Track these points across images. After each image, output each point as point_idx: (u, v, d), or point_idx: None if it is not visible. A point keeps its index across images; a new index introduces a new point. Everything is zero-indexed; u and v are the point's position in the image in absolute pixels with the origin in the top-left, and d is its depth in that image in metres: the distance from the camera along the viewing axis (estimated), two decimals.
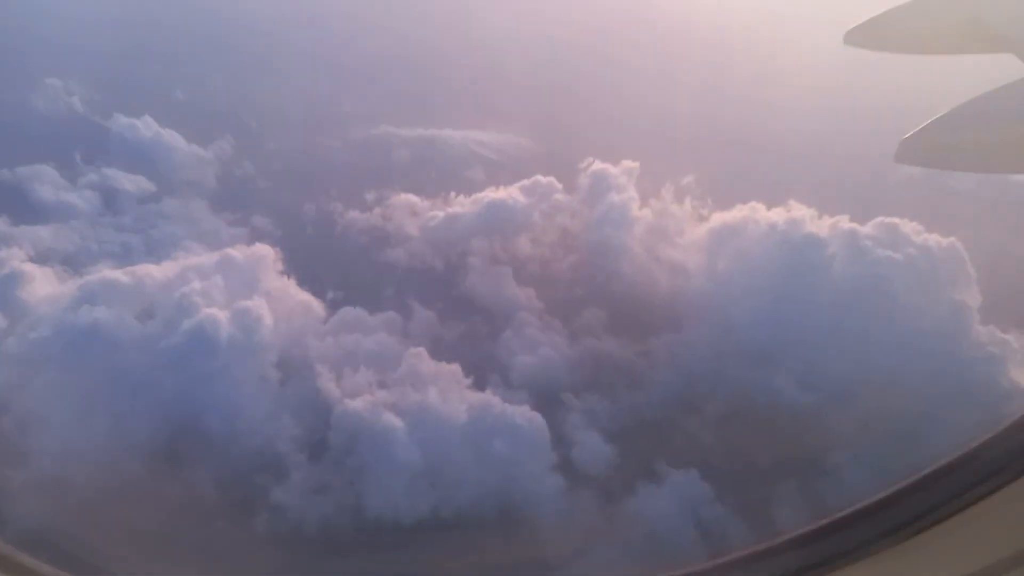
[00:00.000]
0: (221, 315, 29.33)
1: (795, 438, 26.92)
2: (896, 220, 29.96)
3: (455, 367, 28.38)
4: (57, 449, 24.73)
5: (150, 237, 41.73)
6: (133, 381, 27.65)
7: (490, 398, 27.59)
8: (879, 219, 30.16)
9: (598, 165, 38.10)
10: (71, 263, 36.72)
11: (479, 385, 28.94)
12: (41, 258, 36.38)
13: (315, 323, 32.72)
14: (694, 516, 24.64)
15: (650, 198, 37.14)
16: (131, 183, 46.37)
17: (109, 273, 32.14)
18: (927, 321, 27.30)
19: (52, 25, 63.08)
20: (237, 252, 33.66)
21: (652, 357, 31.49)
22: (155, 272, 32.48)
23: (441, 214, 38.47)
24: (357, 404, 26.93)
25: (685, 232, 35.06)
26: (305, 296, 32.88)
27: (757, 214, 32.38)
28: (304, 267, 35.85)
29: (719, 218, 33.69)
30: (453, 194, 40.12)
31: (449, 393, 27.43)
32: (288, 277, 34.22)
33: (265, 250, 34.31)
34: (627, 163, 38.24)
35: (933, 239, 29.28)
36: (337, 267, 38.13)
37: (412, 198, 40.79)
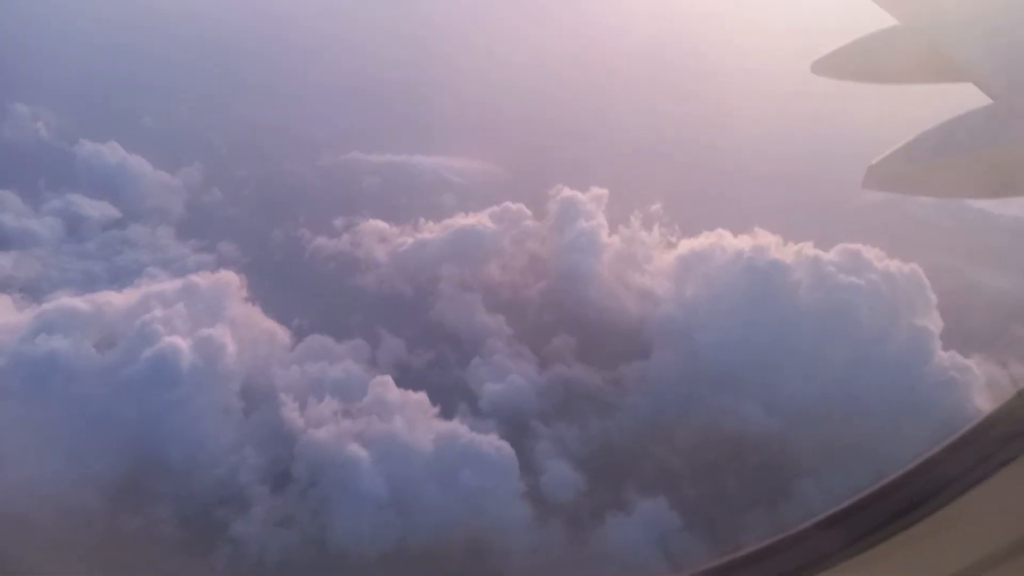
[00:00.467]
0: (183, 343, 28.77)
1: (762, 464, 26.95)
2: (859, 246, 30.38)
3: (421, 395, 28.07)
4: (11, 482, 23.96)
5: (113, 264, 41.09)
6: (91, 411, 26.91)
7: (457, 426, 27.29)
8: (842, 245, 30.58)
9: (567, 192, 38.26)
10: (31, 291, 35.99)
11: (447, 413, 28.63)
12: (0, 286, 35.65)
13: (281, 351, 32.27)
14: (662, 545, 24.47)
15: (619, 225, 37.34)
16: (95, 209, 45.74)
17: (68, 301, 31.46)
18: (890, 346, 27.61)
19: (20, 52, 62.49)
20: (201, 279, 33.19)
21: (621, 383, 31.45)
22: (116, 300, 31.89)
23: (410, 240, 38.33)
24: (321, 434, 26.49)
25: (653, 258, 35.28)
26: (270, 324, 32.45)
27: (724, 241, 32.68)
28: (271, 294, 35.41)
29: (687, 245, 33.97)
30: (423, 220, 40.02)
31: (415, 422, 27.09)
32: (253, 304, 33.78)
33: (230, 277, 33.86)
34: (596, 190, 38.46)
35: (895, 265, 29.71)
36: (305, 294, 37.72)
37: (381, 224, 40.65)
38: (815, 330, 28.42)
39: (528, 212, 38.64)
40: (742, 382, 28.83)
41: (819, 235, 32.73)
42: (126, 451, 25.90)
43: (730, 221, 34.23)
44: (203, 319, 30.87)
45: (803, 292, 29.46)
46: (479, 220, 38.22)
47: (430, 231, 38.87)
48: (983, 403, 25.79)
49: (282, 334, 33.00)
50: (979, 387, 26.22)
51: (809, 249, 30.70)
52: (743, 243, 31.96)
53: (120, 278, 38.43)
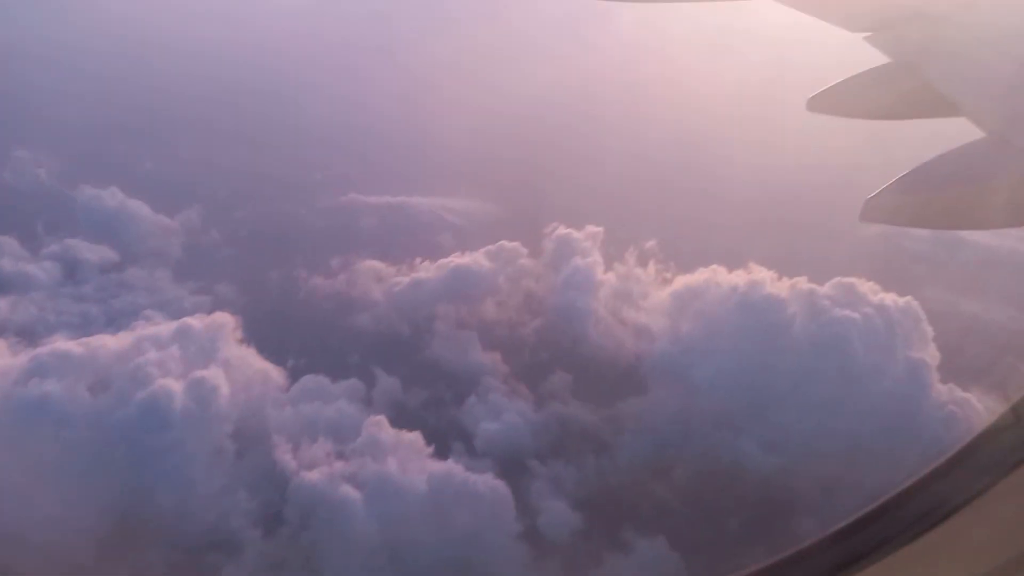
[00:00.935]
0: (176, 386, 28.68)
1: (760, 501, 26.58)
2: (853, 280, 30.38)
3: (416, 435, 27.84)
4: (1, 528, 23.67)
5: (110, 307, 41.13)
6: (83, 455, 26.74)
7: (452, 466, 27.05)
8: (837, 279, 30.58)
9: (562, 230, 38.43)
10: (27, 334, 35.96)
11: (441, 453, 28.38)
12: None
13: (275, 392, 32.11)
14: None
15: (614, 262, 37.41)
16: (93, 253, 45.97)
17: (62, 344, 31.44)
18: (887, 380, 27.45)
19: (22, 97, 63.36)
20: (195, 321, 33.18)
21: (618, 421, 31.19)
22: (110, 343, 31.82)
23: (406, 280, 38.38)
24: (314, 476, 26.22)
25: (649, 295, 35.25)
26: (264, 364, 32.31)
27: (719, 276, 32.69)
28: (267, 335, 35.35)
29: (682, 281, 33.98)
30: (419, 260, 40.13)
31: (409, 463, 26.85)
32: (248, 345, 33.68)
33: (224, 318, 33.84)
34: (591, 228, 38.63)
35: (890, 298, 29.67)
36: (300, 334, 37.65)
37: (377, 264, 40.75)
38: (811, 365, 28.30)
39: (523, 250, 38.78)
40: (739, 418, 28.64)
41: (814, 270, 32.75)
42: (117, 495, 25.64)
43: (725, 257, 34.29)
44: (197, 361, 30.77)
45: (798, 327, 29.38)
46: (474, 259, 38.33)
47: (426, 270, 38.95)
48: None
49: (277, 375, 32.87)
50: (978, 420, 25.97)
51: (804, 284, 30.70)
52: (738, 279, 31.97)
53: (116, 321, 38.43)
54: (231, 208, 53.29)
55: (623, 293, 35.47)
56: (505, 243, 38.90)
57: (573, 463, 29.39)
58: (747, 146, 47.96)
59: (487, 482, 26.43)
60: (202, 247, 48.88)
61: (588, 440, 30.52)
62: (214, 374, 29.89)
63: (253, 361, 32.83)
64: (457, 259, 38.92)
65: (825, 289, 30.38)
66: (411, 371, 34.33)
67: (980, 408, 26.25)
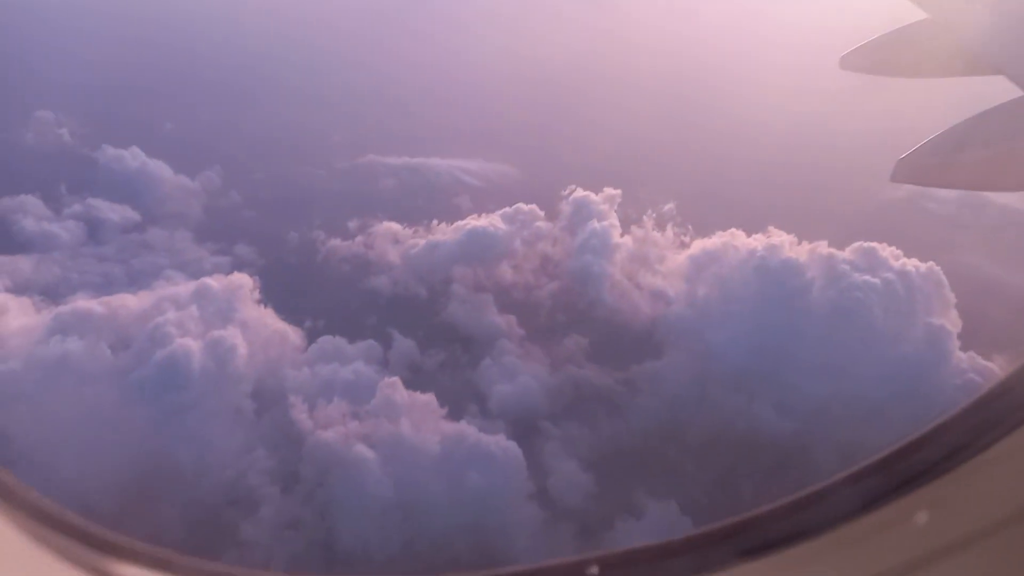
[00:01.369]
0: (194, 345, 29.01)
1: (775, 466, 26.47)
2: (875, 245, 29.77)
3: (430, 397, 28.00)
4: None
5: (131, 267, 41.56)
6: (103, 413, 27.25)
7: (465, 427, 27.20)
8: (857, 244, 29.99)
9: (580, 192, 38.02)
10: (50, 293, 36.46)
11: (455, 414, 28.54)
12: (19, 289, 36.16)
13: (293, 352, 32.39)
14: None
15: (632, 225, 37.03)
16: (115, 213, 46.33)
17: (83, 303, 31.89)
18: (907, 346, 27.01)
19: (44, 59, 63.59)
20: (214, 281, 33.44)
21: (632, 384, 31.13)
22: (130, 302, 32.22)
23: (422, 242, 38.30)
24: (329, 435, 26.51)
25: (666, 259, 34.90)
26: (282, 325, 32.57)
27: (737, 240, 32.22)
28: (285, 296, 35.63)
29: (699, 245, 33.55)
30: (435, 222, 39.99)
31: (423, 423, 27.03)
32: (266, 306, 33.97)
33: (243, 279, 34.09)
34: (609, 190, 38.17)
35: (912, 263, 29.06)
36: (319, 295, 37.89)
37: (395, 226, 40.68)
38: (829, 330, 27.92)
39: (540, 213, 38.47)
40: (755, 383, 28.43)
41: (836, 234, 32.17)
42: (136, 452, 26.15)
43: (744, 220, 33.78)
44: (215, 321, 31.11)
45: (817, 291, 28.94)
46: (491, 221, 38.11)
47: (442, 232, 38.82)
48: None
49: (295, 336, 33.14)
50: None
51: (823, 248, 30.15)
52: (756, 242, 31.49)
53: (138, 281, 38.83)
54: (251, 169, 53.37)
55: (640, 256, 35.20)
56: (522, 205, 38.64)
57: (586, 426, 29.44)
58: (769, 107, 46.91)
59: (499, 443, 26.58)
60: (222, 208, 49.11)
61: (602, 403, 30.53)
62: (232, 334, 30.21)
63: (271, 322, 33.13)
64: (474, 221, 38.73)
65: (845, 253, 29.84)
66: (427, 333, 34.46)
67: (988, 384, 25.76)
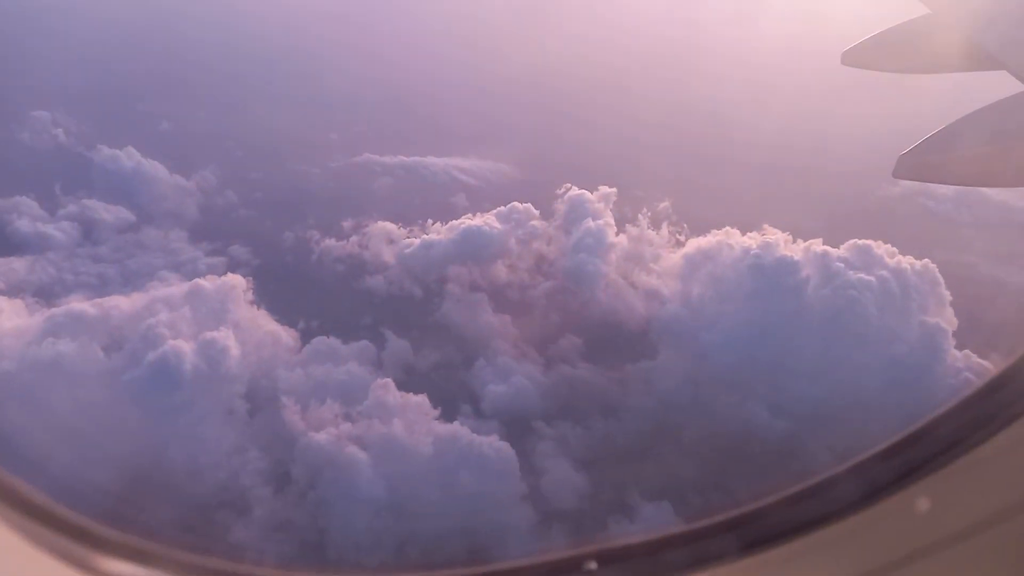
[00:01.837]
0: (186, 347, 28.91)
1: (769, 467, 26.33)
2: (870, 242, 29.62)
3: (422, 398, 27.89)
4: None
5: (126, 268, 41.45)
6: (95, 414, 27.18)
7: (457, 428, 27.08)
8: (852, 242, 29.84)
9: (575, 191, 37.88)
10: (44, 295, 36.39)
11: (448, 415, 28.43)
12: (13, 290, 36.08)
13: (287, 353, 32.29)
14: None
15: (627, 223, 36.88)
16: (110, 214, 46.18)
17: (76, 305, 31.83)
18: (901, 345, 26.86)
19: (41, 59, 63.49)
20: (207, 282, 33.35)
21: (627, 384, 31.02)
22: (123, 304, 32.13)
23: (417, 241, 38.18)
24: (321, 437, 26.41)
25: (661, 257, 34.78)
26: (275, 326, 32.47)
27: (732, 238, 32.07)
28: (280, 296, 35.54)
29: (694, 243, 33.42)
30: (430, 221, 39.88)
31: (415, 425, 26.92)
32: (260, 307, 33.90)
33: (236, 280, 34.02)
34: (605, 188, 38.03)
35: (907, 261, 28.90)
36: (313, 296, 37.78)
37: (389, 225, 40.56)
38: (824, 329, 27.78)
39: (535, 212, 38.34)
40: (749, 383, 28.32)
41: (831, 231, 32.02)
42: (127, 454, 26.06)
43: (740, 218, 33.63)
44: (208, 323, 31.01)
45: (811, 290, 28.79)
46: (486, 220, 37.97)
47: (437, 232, 38.70)
48: None
49: (289, 336, 33.04)
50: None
51: (818, 246, 30.00)
52: (751, 240, 31.34)
53: (132, 282, 38.74)
54: (247, 169, 53.21)
55: (635, 255, 35.07)
56: (517, 204, 38.49)
57: (580, 426, 29.32)
58: (766, 104, 46.73)
59: (492, 444, 26.47)
60: (218, 208, 48.95)
61: (596, 403, 30.40)
62: (224, 335, 30.11)
63: (264, 323, 33.05)
64: (468, 220, 38.59)
65: (840, 251, 29.68)
66: (421, 333, 34.33)
67: (984, 377, 25.61)
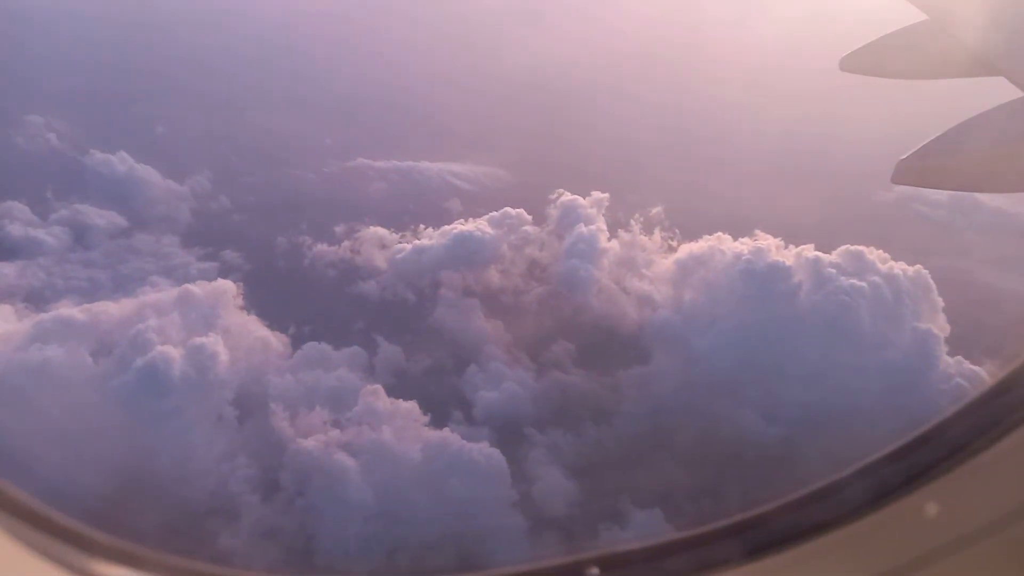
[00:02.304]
0: (175, 352, 28.70)
1: (762, 474, 26.17)
2: (862, 248, 29.52)
3: (412, 404, 27.71)
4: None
5: (117, 273, 41.22)
6: (83, 419, 26.97)
7: (447, 435, 26.91)
8: (844, 247, 29.74)
9: (567, 196, 37.78)
10: (34, 300, 36.17)
11: (439, 422, 28.27)
12: (2, 296, 35.87)
13: (277, 359, 32.10)
14: None
15: (619, 229, 36.79)
16: (102, 218, 45.97)
17: (65, 311, 31.59)
18: (894, 351, 26.74)
19: (35, 64, 63.37)
20: (197, 288, 33.17)
21: (619, 390, 30.89)
22: (112, 309, 31.92)
23: (408, 247, 38.03)
24: (310, 444, 26.21)
25: (653, 263, 34.66)
26: (264, 332, 32.28)
27: (724, 244, 31.97)
28: (271, 302, 35.39)
29: (687, 248, 33.30)
30: (422, 226, 39.73)
31: (405, 431, 26.74)
32: (251, 312, 33.71)
33: (226, 285, 33.86)
34: (597, 194, 37.94)
35: (899, 267, 28.80)
36: (305, 301, 37.62)
37: (381, 231, 40.42)
38: (815, 335, 27.66)
39: (528, 217, 38.25)
40: (742, 389, 28.20)
41: (824, 237, 31.93)
42: (115, 460, 25.84)
43: (732, 223, 33.54)
44: (197, 328, 30.81)
45: (803, 295, 28.68)
46: (478, 226, 37.85)
47: (429, 237, 38.56)
48: None
49: (280, 342, 32.84)
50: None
51: (810, 251, 29.89)
52: (744, 246, 31.25)
53: (123, 287, 38.52)
54: (241, 173, 53.10)
55: (627, 261, 34.98)
56: (509, 210, 38.40)
57: (572, 432, 29.16)
58: (759, 111, 46.71)
59: (482, 451, 26.28)
60: (211, 212, 48.77)
61: (588, 409, 30.26)
62: (213, 341, 29.90)
63: (254, 328, 32.85)
64: (460, 226, 38.48)
65: (832, 257, 29.58)
66: (413, 339, 34.18)
67: (989, 381, 25.51)
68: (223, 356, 29.40)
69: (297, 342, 33.00)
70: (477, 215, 40.21)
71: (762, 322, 28.67)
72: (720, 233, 32.54)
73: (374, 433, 26.54)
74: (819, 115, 42.18)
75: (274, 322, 33.69)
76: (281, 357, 32.25)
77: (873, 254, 29.41)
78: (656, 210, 37.28)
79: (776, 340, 28.04)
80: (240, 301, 33.45)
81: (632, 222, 36.80)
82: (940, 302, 28.11)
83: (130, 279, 40.01)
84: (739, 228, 32.83)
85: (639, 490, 26.46)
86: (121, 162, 50.91)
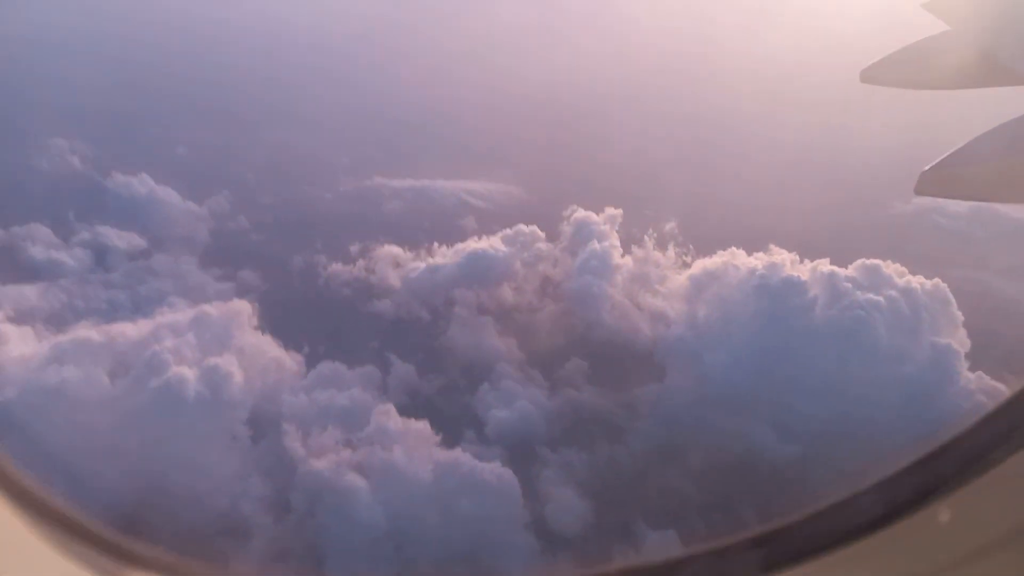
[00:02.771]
0: (189, 373, 28.89)
1: (777, 493, 25.70)
2: (878, 262, 29.00)
3: (423, 424, 27.60)
4: None
5: (136, 293, 41.63)
6: (99, 440, 27.15)
7: (459, 455, 26.75)
8: (860, 261, 29.25)
9: (580, 213, 37.66)
10: (53, 322, 36.60)
11: (451, 441, 28.12)
12: (23, 317, 36.31)
13: (291, 378, 32.20)
14: None
15: (633, 245, 36.59)
16: (122, 240, 46.59)
17: (83, 332, 31.95)
18: (912, 367, 26.17)
19: (60, 88, 64.67)
20: (213, 308, 33.44)
21: (633, 408, 30.57)
22: (129, 330, 32.23)
23: (422, 265, 38.08)
24: (321, 464, 26.18)
25: (667, 279, 34.36)
26: (279, 352, 32.41)
27: (737, 259, 31.61)
28: (287, 321, 35.53)
29: (700, 264, 32.99)
30: (436, 244, 39.80)
31: (416, 451, 26.62)
32: (266, 332, 33.87)
33: (242, 306, 34.10)
34: (611, 210, 37.79)
35: (917, 280, 28.24)
36: (319, 320, 37.73)
37: (395, 249, 40.52)
38: (832, 350, 27.16)
39: (541, 234, 38.16)
40: (757, 406, 27.77)
41: (840, 251, 31.45)
42: (129, 481, 25.96)
43: (746, 238, 33.18)
44: (212, 348, 31.00)
45: (819, 311, 28.21)
46: (491, 243, 37.82)
47: (443, 255, 38.59)
48: None
49: (294, 361, 32.96)
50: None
51: (825, 265, 29.44)
52: (758, 261, 30.86)
53: (142, 308, 38.89)
54: (259, 193, 53.63)
55: (640, 277, 34.73)
56: (523, 227, 38.34)
57: (585, 451, 28.86)
58: (774, 124, 46.34)
59: (494, 470, 26.09)
60: (229, 233, 49.25)
61: (601, 427, 29.96)
62: (228, 361, 30.08)
63: (268, 348, 32.99)
64: (474, 244, 38.49)
65: (848, 271, 29.10)
66: (426, 357, 34.14)
67: (1007, 392, 24.86)
68: (237, 376, 29.54)
69: (312, 361, 33.09)
70: (491, 232, 40.24)
71: (777, 338, 28.25)
72: (734, 248, 32.22)
73: (385, 453, 26.45)
74: (836, 127, 41.77)
75: (289, 341, 33.81)
76: (295, 376, 32.35)
77: (890, 267, 28.88)
78: (670, 225, 37.06)
79: (791, 356, 27.58)
80: (255, 321, 33.59)
81: (646, 238, 36.60)
82: (960, 316, 27.52)
83: (148, 300, 40.38)
84: (754, 243, 32.47)
85: (653, 510, 26.09)
86: (142, 184, 51.68)
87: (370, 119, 62.11)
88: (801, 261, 30.36)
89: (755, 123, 47.09)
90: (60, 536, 2.82)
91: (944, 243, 35.09)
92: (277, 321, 35.09)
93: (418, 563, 24.16)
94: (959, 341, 26.94)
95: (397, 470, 25.73)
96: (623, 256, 35.64)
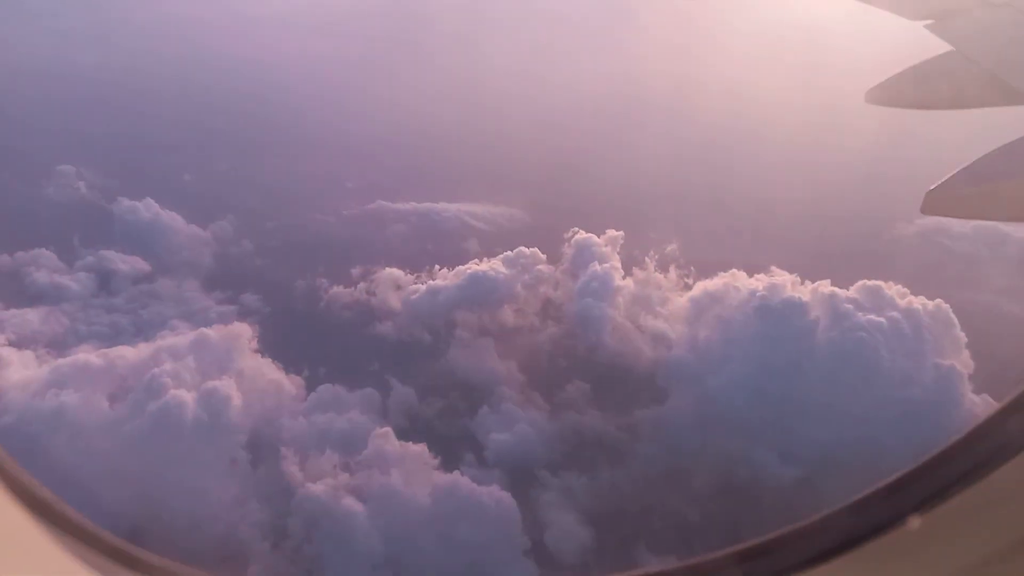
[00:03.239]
0: (188, 397, 28.81)
1: (780, 517, 25.29)
2: (880, 283, 28.79)
3: (421, 447, 27.38)
4: None
5: (139, 317, 41.78)
6: (97, 464, 27.03)
7: (457, 479, 26.50)
8: (861, 282, 29.05)
9: (582, 235, 37.62)
10: (55, 345, 36.72)
11: (450, 464, 27.89)
12: (25, 341, 36.45)
13: (291, 402, 32.09)
14: None
15: (634, 266, 36.48)
16: (127, 264, 46.85)
17: (82, 356, 31.97)
18: (914, 389, 25.86)
19: (67, 114, 65.43)
20: (213, 332, 33.39)
21: (634, 430, 30.30)
22: (129, 354, 32.23)
23: (423, 287, 38.05)
24: (318, 488, 25.96)
25: (669, 301, 34.20)
26: (279, 375, 32.33)
27: (738, 280, 31.45)
28: (288, 344, 35.53)
29: (702, 286, 32.83)
30: (437, 267, 39.79)
31: (415, 475, 26.39)
32: (266, 355, 33.83)
33: (242, 328, 34.08)
34: (612, 232, 37.74)
35: (919, 301, 28.00)
36: (320, 343, 37.70)
37: (396, 272, 40.53)
38: (833, 372, 26.89)
39: (542, 256, 38.10)
40: (759, 429, 27.48)
41: (842, 272, 31.28)
42: (125, 505, 25.79)
43: (747, 259, 33.03)
44: (211, 372, 30.95)
45: (820, 332, 27.98)
46: (492, 265, 37.78)
47: (443, 277, 38.56)
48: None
49: (294, 385, 32.87)
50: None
51: (826, 287, 29.24)
52: (759, 282, 30.69)
53: (144, 331, 38.99)
54: (263, 217, 53.89)
55: (642, 299, 34.55)
56: (524, 249, 38.31)
57: (586, 475, 28.58)
58: (775, 144, 46.38)
59: (493, 494, 25.83)
60: (233, 257, 49.48)
61: (602, 450, 29.70)
62: (227, 385, 30.00)
63: (268, 371, 32.92)
64: (475, 266, 38.45)
65: (849, 292, 28.89)
66: (426, 380, 34.00)
67: (995, 406, 24.54)
68: (236, 400, 29.44)
69: (312, 384, 33.02)
70: (493, 255, 40.23)
71: (778, 360, 27.99)
72: (735, 269, 32.06)
73: (383, 477, 26.23)
74: (840, 148, 41.72)
75: (289, 364, 33.78)
76: (295, 399, 32.25)
77: (892, 289, 28.67)
78: (671, 247, 36.95)
79: (793, 378, 27.32)
80: (255, 344, 33.55)
81: (647, 259, 36.48)
82: (963, 337, 27.22)
83: (151, 324, 40.52)
84: (755, 264, 32.30)
85: (655, 536, 25.77)
86: (147, 208, 52.01)
87: (372, 143, 62.51)
88: (802, 282, 30.21)
89: (758, 144, 47.14)
90: (61, 536, 2.84)
91: (948, 263, 34.86)
92: (278, 344, 35.09)
93: None
94: (963, 362, 26.65)
95: (395, 494, 25.49)
96: (624, 278, 35.56)
